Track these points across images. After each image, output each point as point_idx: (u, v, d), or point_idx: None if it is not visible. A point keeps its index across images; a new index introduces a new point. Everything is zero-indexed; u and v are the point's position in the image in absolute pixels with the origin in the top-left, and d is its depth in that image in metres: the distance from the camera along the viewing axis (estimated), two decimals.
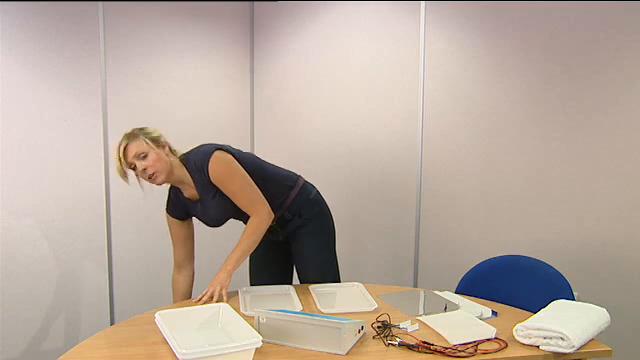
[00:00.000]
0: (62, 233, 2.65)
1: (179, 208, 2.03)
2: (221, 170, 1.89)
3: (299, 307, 1.77)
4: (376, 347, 1.50)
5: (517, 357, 1.45)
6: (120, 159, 1.85)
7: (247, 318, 1.55)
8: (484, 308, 1.77)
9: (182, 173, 1.93)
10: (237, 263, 1.91)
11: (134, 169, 1.87)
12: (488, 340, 1.53)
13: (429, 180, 2.77)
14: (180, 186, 1.98)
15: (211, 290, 1.83)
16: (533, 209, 2.48)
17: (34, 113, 2.53)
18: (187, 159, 1.94)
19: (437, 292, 1.98)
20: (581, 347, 1.47)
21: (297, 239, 2.15)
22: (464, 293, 1.99)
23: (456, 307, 1.80)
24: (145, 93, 2.89)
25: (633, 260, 2.25)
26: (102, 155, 2.75)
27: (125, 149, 1.85)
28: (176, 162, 1.93)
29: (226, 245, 3.32)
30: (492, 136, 2.57)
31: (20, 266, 2.54)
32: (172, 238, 2.06)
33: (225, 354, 1.32)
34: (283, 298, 1.90)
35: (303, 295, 1.90)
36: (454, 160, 2.68)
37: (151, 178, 1.86)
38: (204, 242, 3.21)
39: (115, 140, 2.78)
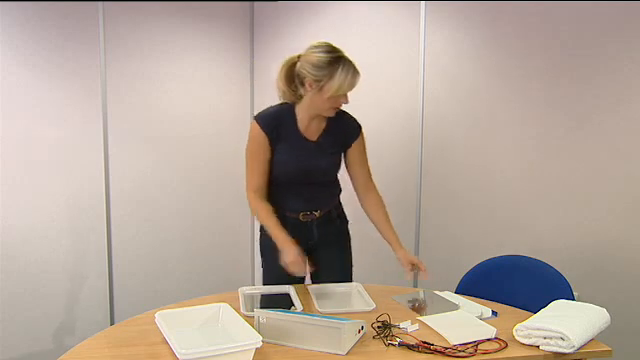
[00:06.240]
0: (62, 233, 2.65)
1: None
2: (363, 142, 2.16)
3: (299, 307, 1.77)
4: (376, 347, 1.50)
5: (517, 357, 1.45)
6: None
7: (247, 318, 1.55)
8: (484, 308, 1.77)
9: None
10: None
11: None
12: (488, 340, 1.53)
13: (429, 180, 2.76)
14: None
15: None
16: (533, 209, 2.48)
17: (34, 113, 2.53)
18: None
19: (437, 292, 1.98)
20: (581, 347, 1.47)
21: (327, 245, 2.11)
22: (464, 293, 1.99)
23: (456, 307, 1.80)
24: (145, 93, 2.89)
25: (633, 260, 2.25)
26: (102, 155, 2.75)
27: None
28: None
29: (224, 244, 3.33)
30: (492, 136, 2.57)
31: (20, 266, 2.54)
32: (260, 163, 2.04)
33: (225, 354, 1.32)
34: (283, 298, 1.89)
35: (303, 295, 1.90)
36: (454, 160, 2.68)
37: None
38: (203, 242, 3.22)
39: (115, 140, 2.81)
